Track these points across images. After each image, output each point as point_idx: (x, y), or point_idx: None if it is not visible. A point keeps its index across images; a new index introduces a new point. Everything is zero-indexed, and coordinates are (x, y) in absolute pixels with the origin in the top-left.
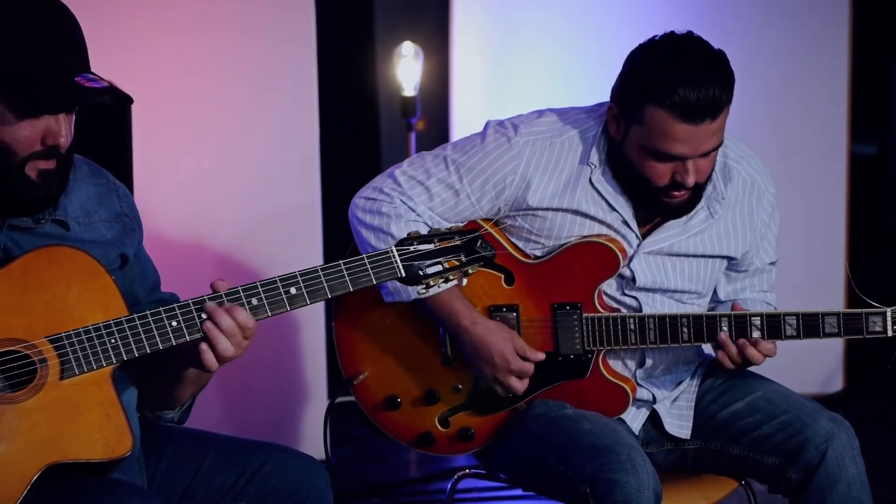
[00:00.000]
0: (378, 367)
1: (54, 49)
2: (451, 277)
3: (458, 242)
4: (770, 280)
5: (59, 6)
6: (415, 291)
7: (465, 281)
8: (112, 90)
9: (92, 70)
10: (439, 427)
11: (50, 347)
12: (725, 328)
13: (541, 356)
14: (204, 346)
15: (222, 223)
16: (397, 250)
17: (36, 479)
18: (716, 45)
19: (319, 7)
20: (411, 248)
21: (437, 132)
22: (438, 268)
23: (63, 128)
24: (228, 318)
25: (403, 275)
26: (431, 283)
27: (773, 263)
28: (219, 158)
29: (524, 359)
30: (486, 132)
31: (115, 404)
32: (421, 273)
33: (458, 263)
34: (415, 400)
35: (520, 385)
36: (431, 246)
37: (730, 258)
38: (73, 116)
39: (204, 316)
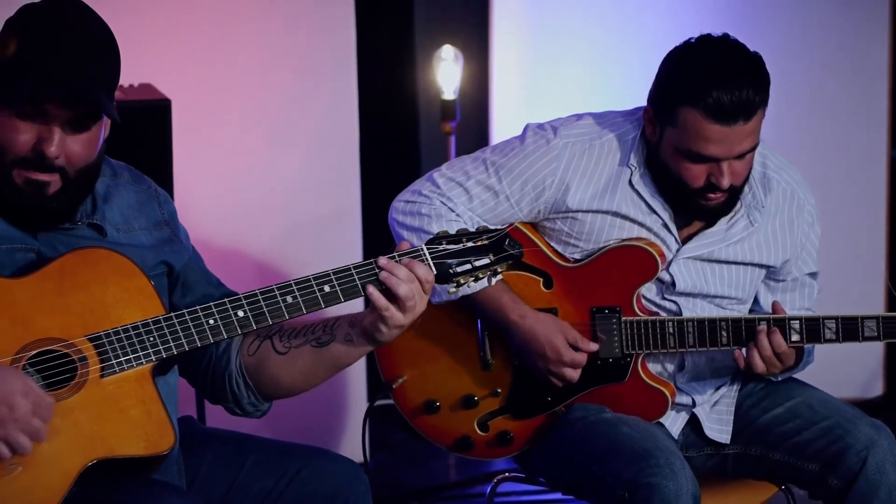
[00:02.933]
0: (417, 371)
1: (60, 52)
2: (481, 276)
3: (486, 241)
4: (811, 295)
5: (93, 25)
6: (445, 291)
7: (493, 280)
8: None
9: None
10: (478, 431)
11: (90, 346)
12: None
13: (594, 346)
14: (383, 302)
15: (262, 226)
16: (428, 248)
17: (78, 476)
18: (752, 47)
19: (359, 10)
20: (441, 247)
21: (476, 136)
22: (468, 266)
23: (55, 137)
24: (405, 268)
25: (434, 272)
26: (462, 281)
27: (813, 275)
28: (259, 162)
29: (576, 349)
30: (525, 135)
31: (155, 401)
32: (451, 272)
33: (487, 262)
34: (453, 404)
35: (574, 374)
36: (460, 245)
37: (769, 267)
38: (85, 134)
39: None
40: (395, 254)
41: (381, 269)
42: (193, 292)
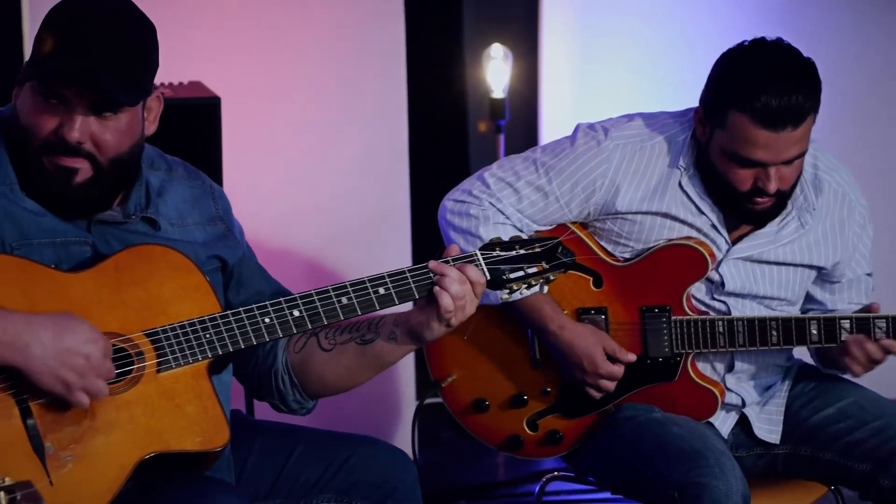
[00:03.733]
0: (466, 371)
1: (77, 37)
2: (533, 283)
3: (539, 250)
4: (867, 291)
5: (124, 14)
6: (498, 296)
7: (545, 288)
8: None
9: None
10: (527, 430)
11: (147, 341)
12: (815, 331)
13: (631, 357)
14: (448, 302)
15: (311, 227)
16: (481, 254)
17: (134, 470)
18: (805, 49)
19: (409, 10)
20: (494, 253)
21: (525, 135)
22: (521, 273)
23: (75, 122)
24: (456, 270)
25: (488, 278)
26: (514, 287)
27: (868, 275)
28: (308, 162)
29: (614, 359)
30: (576, 135)
31: (211, 397)
32: (504, 278)
33: (539, 270)
34: (503, 403)
35: (610, 385)
36: (513, 252)
37: (819, 268)
38: (113, 122)
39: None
40: (448, 258)
41: (433, 271)
42: (247, 288)
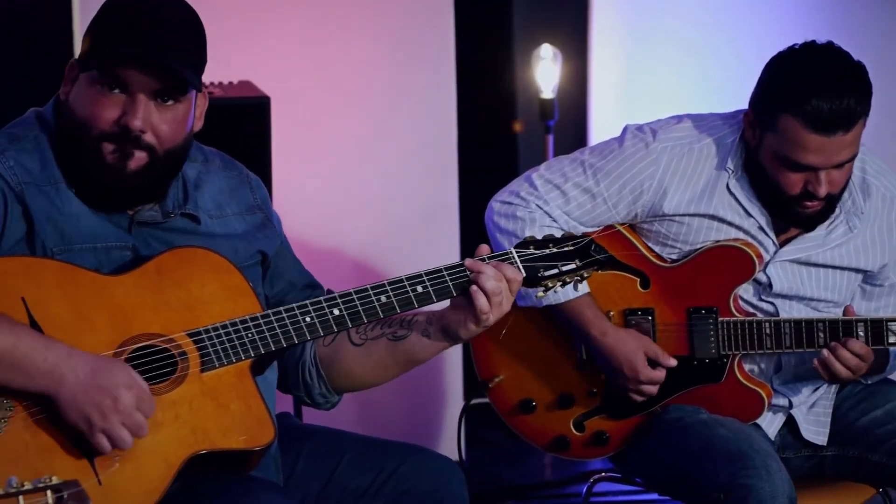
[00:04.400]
0: (513, 371)
1: (138, 24)
2: (568, 280)
3: (573, 247)
4: None
5: (186, 13)
6: (532, 295)
7: (580, 287)
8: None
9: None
10: (574, 431)
11: (189, 341)
12: (861, 333)
13: (672, 362)
14: (484, 303)
15: (360, 225)
16: (517, 252)
17: (180, 469)
18: (856, 55)
19: (458, 9)
20: (529, 251)
21: (574, 135)
22: (555, 271)
23: (139, 110)
24: (492, 267)
25: (524, 275)
26: (549, 285)
27: None
28: (357, 161)
29: (656, 364)
30: (624, 137)
31: (255, 395)
32: (539, 276)
33: (573, 267)
34: (550, 404)
35: (652, 390)
36: (547, 250)
37: (866, 271)
38: (171, 113)
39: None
40: (484, 256)
41: (469, 269)
42: (281, 280)
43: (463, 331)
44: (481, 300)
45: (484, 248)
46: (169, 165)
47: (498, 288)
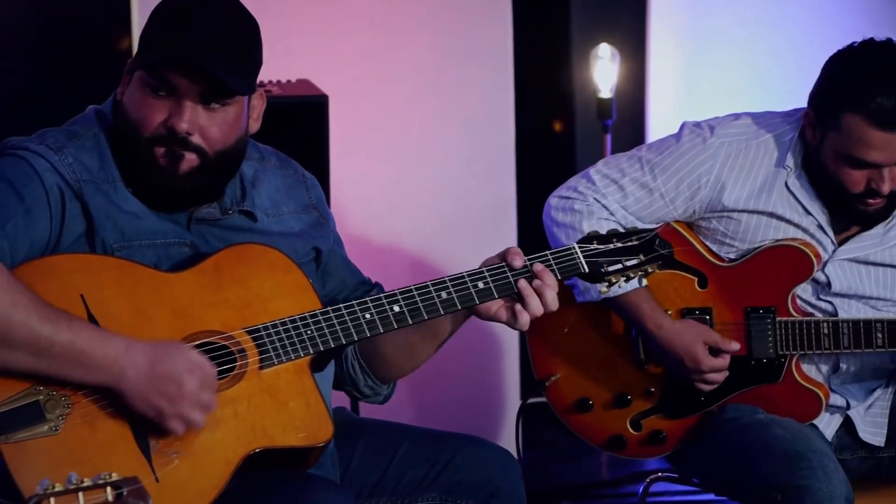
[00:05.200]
0: (570, 370)
1: (186, 28)
2: (632, 275)
3: (637, 242)
4: None
5: (231, 8)
6: (597, 290)
7: (644, 281)
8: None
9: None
10: (631, 430)
11: (248, 338)
12: None
13: (735, 346)
14: (519, 307)
15: (417, 223)
16: (579, 247)
17: (238, 466)
18: None
19: (517, 9)
20: (591, 247)
21: (632, 134)
22: (619, 266)
23: (185, 113)
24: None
25: (587, 271)
26: (613, 280)
27: None
28: (414, 159)
29: (718, 352)
30: (681, 133)
31: (314, 392)
32: (602, 271)
33: (637, 262)
34: (606, 402)
35: (718, 378)
36: (611, 245)
37: None
38: (221, 115)
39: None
40: (546, 252)
41: (536, 274)
42: (333, 278)
43: (485, 312)
44: (534, 306)
45: (513, 253)
46: (221, 167)
47: (554, 303)
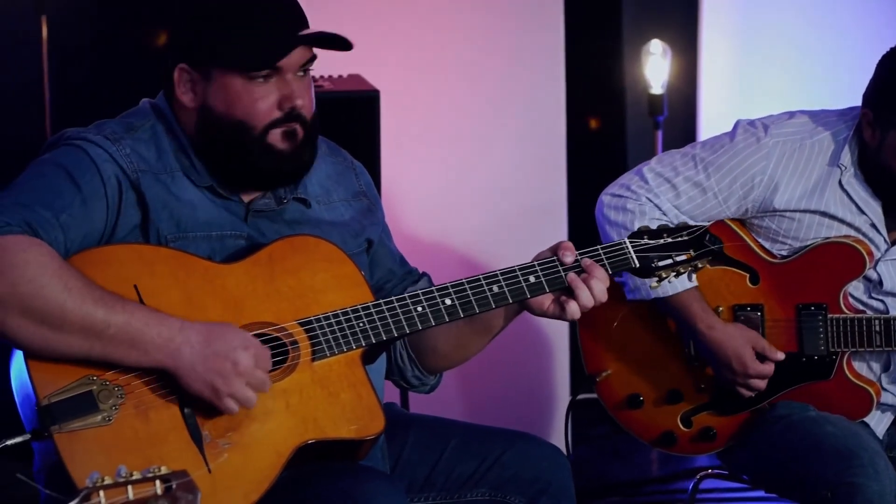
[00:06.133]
0: (621, 366)
1: (271, 7)
2: (682, 271)
3: (687, 237)
4: None
5: None
6: (647, 289)
7: (694, 277)
8: (332, 37)
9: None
10: (681, 426)
11: (300, 330)
12: None
13: (780, 356)
14: (567, 298)
15: (468, 219)
16: (630, 242)
17: (290, 457)
18: None
19: (568, 5)
20: (642, 242)
21: (683, 130)
22: (669, 261)
23: (297, 89)
24: (605, 273)
25: (637, 265)
26: (663, 275)
27: None
28: (465, 155)
29: (764, 358)
30: (735, 131)
31: (366, 384)
32: (653, 266)
33: (688, 258)
34: (657, 399)
35: (761, 384)
36: (661, 240)
37: None
38: (306, 81)
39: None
40: (597, 247)
41: (585, 269)
42: (381, 268)
43: (537, 307)
44: (584, 297)
45: (545, 254)
46: (315, 134)
47: (604, 295)
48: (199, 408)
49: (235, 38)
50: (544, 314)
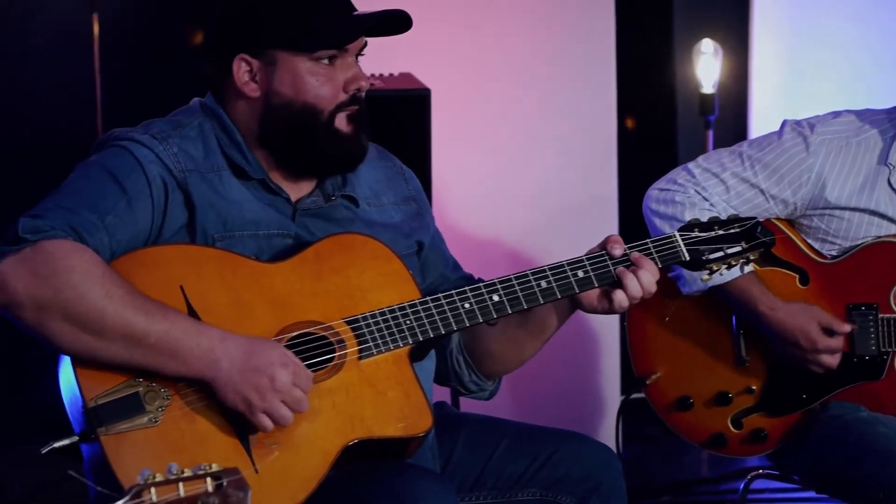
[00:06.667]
0: (671, 368)
1: None
2: (733, 263)
3: (738, 229)
4: None
5: None
6: (698, 279)
7: (746, 269)
8: (395, 14)
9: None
10: (732, 428)
11: (347, 329)
12: None
13: (847, 328)
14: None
15: (518, 217)
16: (680, 235)
17: (337, 457)
18: None
19: (619, 3)
20: (693, 235)
21: (734, 130)
22: (720, 253)
23: (358, 69)
24: (654, 266)
25: (688, 258)
26: (714, 268)
27: None
28: (516, 153)
29: (832, 333)
30: (782, 130)
31: (413, 382)
32: (704, 258)
33: (739, 250)
34: (707, 401)
35: (832, 360)
36: (712, 233)
37: None
38: (360, 63)
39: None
40: (647, 240)
41: (633, 262)
42: (433, 272)
43: (587, 303)
44: (633, 288)
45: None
46: (367, 118)
47: (652, 287)
48: None
49: (300, 19)
50: (594, 310)
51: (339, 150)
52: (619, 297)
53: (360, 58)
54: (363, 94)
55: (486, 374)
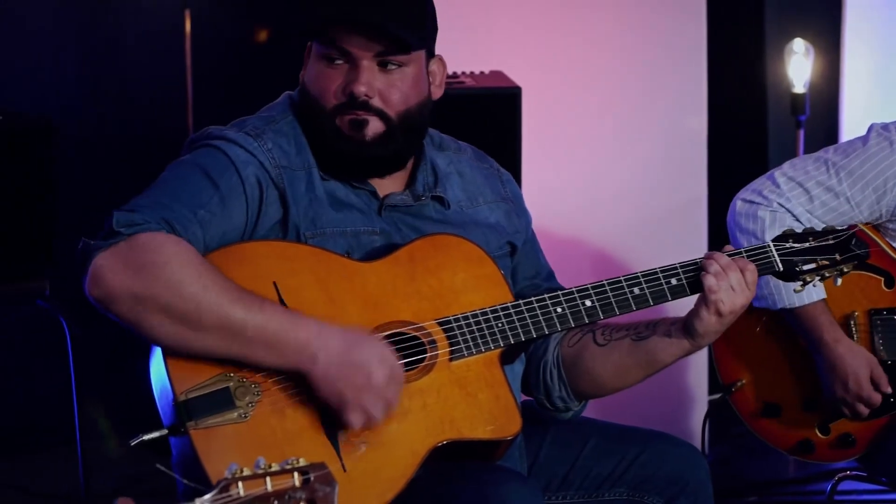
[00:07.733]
0: (755, 375)
1: None
2: (827, 275)
3: (833, 241)
4: None
5: None
6: (787, 293)
7: (839, 281)
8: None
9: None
10: (819, 434)
11: (439, 330)
12: None
13: (889, 390)
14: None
15: (606, 219)
16: (774, 245)
17: (426, 457)
18: None
19: (711, 3)
20: (787, 245)
21: (825, 130)
22: (813, 265)
23: (361, 76)
24: (725, 256)
25: (781, 269)
26: (808, 279)
27: None
28: (606, 154)
29: (877, 387)
30: (868, 136)
31: (503, 385)
32: (797, 269)
33: (833, 261)
34: (794, 407)
35: (864, 412)
36: (806, 244)
37: None
38: (397, 75)
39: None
40: (741, 249)
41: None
42: (523, 277)
43: (697, 322)
44: (710, 279)
45: (728, 248)
46: (406, 132)
47: (721, 270)
48: None
49: (308, 9)
50: (704, 326)
51: (352, 150)
52: (706, 308)
53: (407, 66)
54: (376, 102)
55: (578, 393)
